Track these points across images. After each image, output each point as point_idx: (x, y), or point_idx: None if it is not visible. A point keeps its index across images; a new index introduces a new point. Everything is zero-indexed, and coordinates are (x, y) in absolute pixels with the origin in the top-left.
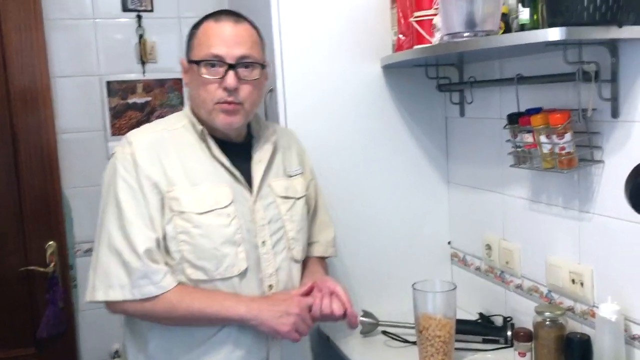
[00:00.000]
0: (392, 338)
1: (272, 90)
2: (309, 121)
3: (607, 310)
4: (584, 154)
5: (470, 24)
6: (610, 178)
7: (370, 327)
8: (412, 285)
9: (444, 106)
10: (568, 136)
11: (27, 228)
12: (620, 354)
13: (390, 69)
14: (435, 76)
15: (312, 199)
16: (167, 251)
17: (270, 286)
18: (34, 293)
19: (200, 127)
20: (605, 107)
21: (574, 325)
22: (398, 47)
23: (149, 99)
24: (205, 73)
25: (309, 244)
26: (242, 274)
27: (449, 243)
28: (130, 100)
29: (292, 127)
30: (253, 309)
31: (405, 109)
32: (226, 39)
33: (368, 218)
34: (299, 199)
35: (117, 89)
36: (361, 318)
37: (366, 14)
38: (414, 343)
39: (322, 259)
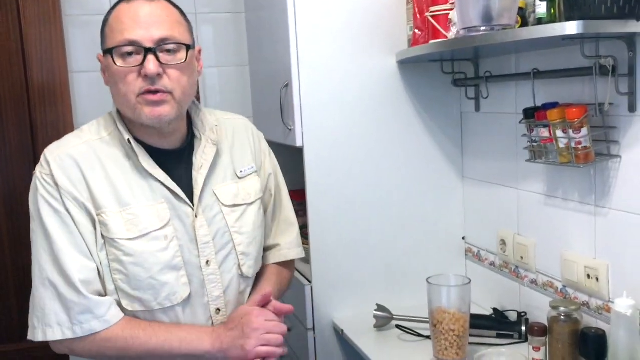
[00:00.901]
0: (406, 332)
1: (287, 85)
2: (325, 116)
3: (623, 305)
4: (600, 148)
5: (487, 18)
6: (627, 173)
7: (384, 321)
8: (427, 279)
9: (459, 101)
10: (585, 131)
11: None
12: (636, 349)
13: (406, 64)
14: (450, 71)
15: (270, 196)
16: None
17: (218, 310)
18: None
19: (127, 136)
20: (622, 101)
21: (589, 321)
22: (414, 42)
23: None
24: (121, 63)
25: (268, 247)
26: (185, 302)
27: (463, 238)
28: None
29: (307, 121)
30: (216, 342)
31: (421, 104)
32: (141, 21)
33: (383, 213)
34: (251, 204)
35: None
36: (375, 312)
37: (382, 9)
38: (428, 337)
39: (284, 263)
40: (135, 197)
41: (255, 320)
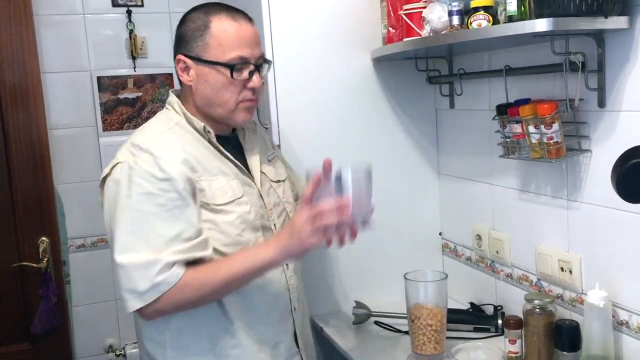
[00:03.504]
0: (385, 328)
1: (263, 84)
2: (300, 114)
3: (595, 297)
4: (571, 143)
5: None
6: (598, 167)
7: (363, 317)
8: (404, 275)
9: (433, 98)
10: (556, 126)
11: (19, 224)
12: (608, 339)
13: (381, 62)
14: (425, 69)
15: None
16: None
17: (287, 264)
18: (27, 289)
19: (201, 124)
20: (592, 97)
21: (563, 313)
22: (388, 39)
23: (140, 94)
24: (236, 76)
25: None
26: None
27: (440, 234)
28: (121, 96)
29: (283, 120)
30: (277, 245)
31: (396, 102)
32: (249, 40)
33: None
34: (284, 180)
35: (108, 85)
36: (354, 309)
37: (356, 7)
38: (406, 332)
39: None
40: (217, 171)
41: (301, 213)
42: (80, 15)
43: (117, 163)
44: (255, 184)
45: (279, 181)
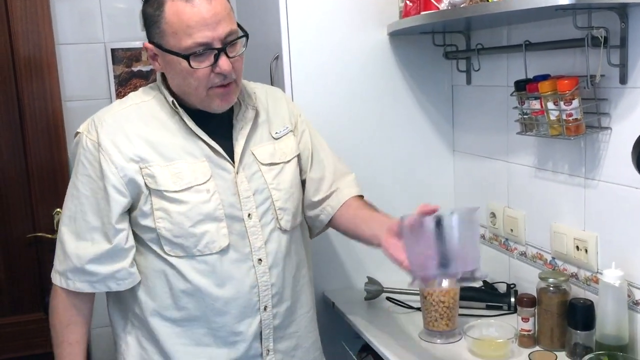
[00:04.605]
0: (397, 304)
1: (277, 57)
2: (315, 88)
3: (611, 276)
4: (591, 120)
5: None
6: (617, 145)
7: (375, 293)
8: None
9: (450, 74)
10: (576, 103)
11: (34, 195)
12: (623, 319)
13: (397, 36)
14: (442, 43)
15: (308, 150)
16: (141, 228)
17: (260, 260)
18: (42, 259)
19: (171, 98)
20: (613, 73)
21: (577, 292)
22: (405, 13)
23: None
24: (194, 65)
25: (329, 195)
26: (224, 251)
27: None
28: (135, 68)
29: (298, 94)
30: None
31: (412, 77)
32: (207, 22)
33: (373, 186)
34: (288, 162)
35: (122, 57)
36: (366, 285)
37: None
38: (418, 309)
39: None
40: (180, 154)
41: None
42: None
43: (78, 132)
44: (234, 167)
45: (273, 164)
